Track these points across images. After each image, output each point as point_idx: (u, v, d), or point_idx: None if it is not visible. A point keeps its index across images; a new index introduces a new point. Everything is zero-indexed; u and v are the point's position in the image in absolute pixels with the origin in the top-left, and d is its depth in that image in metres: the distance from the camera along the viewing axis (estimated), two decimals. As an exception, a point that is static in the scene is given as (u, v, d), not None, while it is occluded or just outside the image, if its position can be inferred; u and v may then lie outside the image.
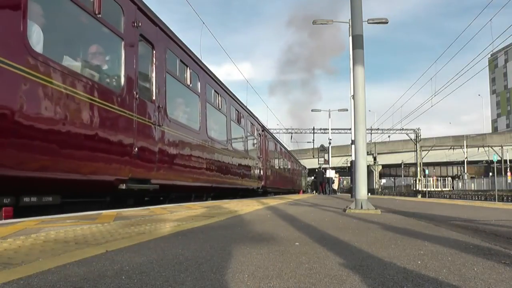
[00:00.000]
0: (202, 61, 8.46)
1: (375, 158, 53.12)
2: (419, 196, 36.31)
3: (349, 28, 16.13)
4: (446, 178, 55.38)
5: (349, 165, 27.53)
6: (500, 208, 7.10)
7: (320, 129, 43.32)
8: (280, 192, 22.58)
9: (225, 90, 10.43)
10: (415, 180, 48.78)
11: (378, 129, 44.48)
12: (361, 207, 5.29)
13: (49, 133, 3.74)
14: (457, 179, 56.41)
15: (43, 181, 3.84)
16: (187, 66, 7.44)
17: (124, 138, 5.00)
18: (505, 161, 46.69)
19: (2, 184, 3.42)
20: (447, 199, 20.14)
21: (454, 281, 1.45)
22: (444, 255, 1.97)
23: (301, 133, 46.02)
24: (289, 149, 32.65)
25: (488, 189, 40.66)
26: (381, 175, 62.38)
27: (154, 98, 5.91)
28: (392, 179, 68.32)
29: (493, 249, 2.17)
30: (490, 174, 41.63)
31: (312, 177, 42.29)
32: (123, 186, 5.02)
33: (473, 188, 47.29)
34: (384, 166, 57.62)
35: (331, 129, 34.44)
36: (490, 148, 46.77)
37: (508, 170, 42.44)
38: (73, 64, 4.37)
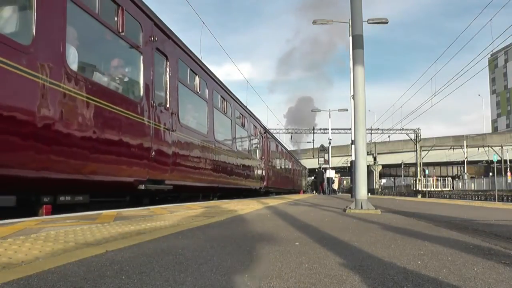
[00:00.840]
0: (203, 61, 8.66)
1: (375, 158, 53.10)
2: (419, 196, 36.32)
3: (349, 28, 16.13)
4: (446, 178, 55.36)
5: (349, 165, 27.52)
6: (500, 208, 7.10)
7: (320, 129, 43.34)
8: (281, 192, 22.74)
9: (230, 95, 10.95)
10: (415, 180, 48.75)
11: (378, 129, 44.47)
12: (361, 207, 5.29)
13: (84, 141, 4.26)
14: (457, 179, 56.40)
15: (76, 182, 4.33)
16: (196, 74, 7.99)
17: (144, 143, 5.53)
18: (505, 161, 46.67)
19: (45, 185, 3.93)
20: (447, 199, 20.14)
21: (454, 281, 1.45)
22: (444, 255, 1.97)
23: (301, 133, 46.05)
24: (289, 149, 32.69)
25: (488, 189, 40.66)
26: (381, 175, 62.35)
27: (168, 105, 6.42)
28: (392, 179, 68.30)
29: (493, 249, 2.17)
30: (490, 174, 41.62)
31: (312, 177, 42.29)
32: (142, 187, 5.47)
33: (473, 188, 47.28)
34: (384, 166, 57.60)
35: (331, 129, 34.43)
36: (490, 148, 46.76)
37: (508, 170, 42.42)
38: (102, 79, 4.93)
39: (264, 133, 16.88)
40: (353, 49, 6.09)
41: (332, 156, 31.97)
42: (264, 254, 1.95)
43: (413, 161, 48.86)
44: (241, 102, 12.67)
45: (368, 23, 16.31)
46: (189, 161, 7.32)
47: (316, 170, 32.61)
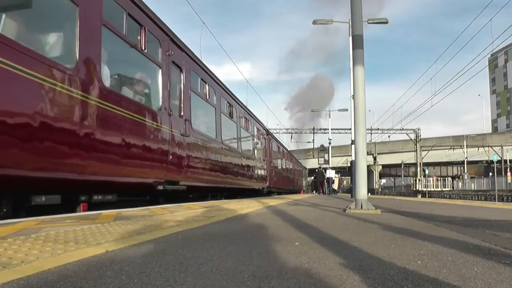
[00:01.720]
0: (203, 61, 8.80)
1: (375, 158, 53.11)
2: (419, 196, 36.30)
3: (349, 28, 16.13)
4: (446, 178, 55.36)
5: (349, 165, 27.49)
6: (500, 208, 7.10)
7: (320, 129, 43.35)
8: (282, 192, 22.89)
9: (235, 100, 11.55)
10: (415, 180, 48.75)
11: (378, 129, 44.49)
12: (361, 207, 5.29)
13: (116, 148, 4.81)
14: (457, 179, 56.40)
15: (108, 184, 4.85)
16: (205, 83, 8.60)
17: (163, 148, 6.10)
18: (505, 161, 46.66)
19: (82, 186, 4.47)
20: (447, 199, 20.14)
21: (454, 281, 1.45)
22: (444, 255, 1.97)
23: (301, 133, 46.06)
24: (289, 149, 32.71)
25: (488, 189, 40.64)
26: (381, 175, 62.35)
27: (182, 113, 7.08)
28: (392, 179, 68.27)
29: (493, 249, 2.17)
30: (490, 174, 41.59)
31: (312, 177, 42.26)
32: (161, 187, 6.04)
33: (473, 188, 47.26)
34: (384, 166, 57.58)
35: (331, 129, 34.43)
36: (490, 148, 46.77)
37: (508, 170, 42.40)
38: (129, 92, 5.56)
39: (267, 134, 17.30)
40: (353, 49, 6.09)
41: (332, 156, 31.97)
42: (264, 254, 1.95)
43: (413, 161, 48.87)
44: (245, 106, 13.18)
45: (368, 23, 16.33)
46: (200, 163, 7.97)
47: (316, 170, 32.58)
